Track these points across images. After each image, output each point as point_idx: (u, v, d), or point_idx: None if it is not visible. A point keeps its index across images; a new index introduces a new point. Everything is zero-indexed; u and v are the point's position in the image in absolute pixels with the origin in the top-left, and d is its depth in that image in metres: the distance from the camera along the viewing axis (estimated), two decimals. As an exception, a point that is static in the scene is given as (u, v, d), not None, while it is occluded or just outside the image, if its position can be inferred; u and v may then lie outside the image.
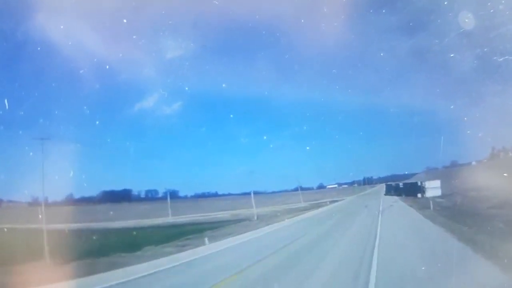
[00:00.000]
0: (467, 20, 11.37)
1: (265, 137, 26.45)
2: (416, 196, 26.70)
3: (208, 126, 23.84)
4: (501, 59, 11.94)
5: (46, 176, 16.43)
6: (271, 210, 29.75)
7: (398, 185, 32.19)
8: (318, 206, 32.06)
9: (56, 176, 16.65)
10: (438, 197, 24.59)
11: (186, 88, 17.01)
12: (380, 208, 26.18)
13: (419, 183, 26.88)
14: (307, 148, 23.37)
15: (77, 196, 20.24)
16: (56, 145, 16.69)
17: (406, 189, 29.77)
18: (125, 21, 13.56)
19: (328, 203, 33.16)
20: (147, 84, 18.61)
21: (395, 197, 31.38)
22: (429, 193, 25.47)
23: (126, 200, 27.16)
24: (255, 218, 25.86)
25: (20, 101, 15.69)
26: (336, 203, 33.15)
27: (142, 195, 27.97)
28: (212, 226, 22.25)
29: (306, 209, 30.48)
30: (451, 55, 12.95)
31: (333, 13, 13.58)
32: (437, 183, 25.48)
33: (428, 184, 25.81)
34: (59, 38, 14.04)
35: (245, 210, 28.08)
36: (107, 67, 14.85)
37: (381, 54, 15.74)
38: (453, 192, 24.28)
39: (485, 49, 12.08)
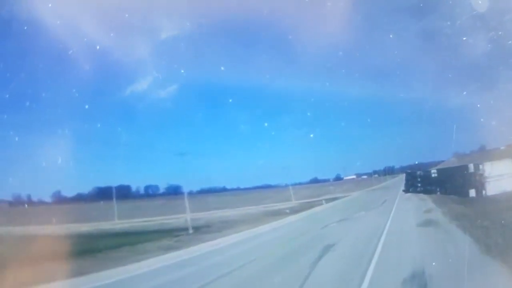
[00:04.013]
0: (480, 2, 11.12)
1: (266, 124, 22.37)
2: (465, 195, 13.88)
3: (208, 112, 22.55)
4: (516, 43, 11.58)
5: (30, 168, 16.64)
6: (242, 213, 25.18)
7: (427, 174, 19.74)
8: (310, 206, 26.93)
9: (42, 168, 16.12)
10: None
11: (182, 71, 16.47)
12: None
13: (471, 168, 13.91)
14: (318, 137, 21.26)
15: (64, 193, 20.39)
16: (43, 132, 16.60)
17: (444, 181, 17.21)
18: (116, -2, 13.69)
19: (323, 202, 27.80)
20: (140, 66, 18.11)
21: (425, 198, 18.92)
22: (493, 188, 12.89)
23: (122, 197, 25.58)
24: (190, 230, 20.93)
25: (5, 83, 14.82)
26: (330, 203, 27.31)
27: (142, 191, 26.63)
28: (105, 246, 18.00)
29: (284, 214, 24.39)
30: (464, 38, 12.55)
31: (339, -8, 13.50)
32: (508, 165, 12.68)
33: (490, 169, 13.09)
34: (47, 17, 13.32)
35: (210, 213, 24.84)
36: (98, 47, 14.42)
37: (390, 36, 15.38)
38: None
39: (500, 33, 11.72)
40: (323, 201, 27.64)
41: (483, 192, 13.47)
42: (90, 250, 16.71)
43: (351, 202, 26.74)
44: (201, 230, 20.59)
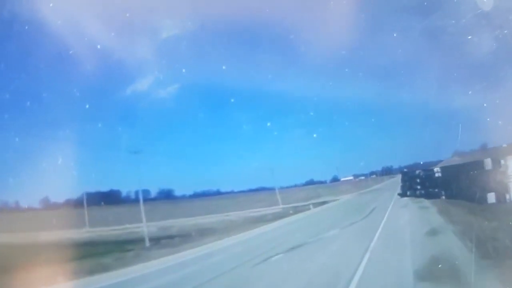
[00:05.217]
0: (485, 0, 11.16)
1: (267, 125, 22.49)
2: (482, 201, 10.61)
3: (207, 112, 22.33)
4: (521, 42, 12.31)
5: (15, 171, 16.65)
6: (220, 220, 24.74)
7: (429, 174, 16.55)
8: (293, 212, 26.44)
9: (40, 171, 16.18)
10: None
11: (183, 71, 16.65)
12: None
13: (488, 165, 10.66)
14: (317, 138, 20.96)
15: (52, 198, 19.48)
16: (41, 134, 16.96)
17: (450, 182, 14.06)
18: (118, -3, 14.54)
19: (311, 207, 27.15)
20: (141, 66, 17.75)
21: (427, 205, 15.47)
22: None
23: (111, 202, 25.20)
24: (147, 243, 19.90)
25: (6, 83, 15.57)
26: (317, 208, 26.49)
27: (132, 196, 26.07)
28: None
29: (262, 221, 23.70)
30: (468, 37, 12.78)
31: (343, -9, 14.32)
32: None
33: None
34: (48, 17, 13.71)
35: (186, 220, 24.32)
36: (99, 47, 14.99)
37: (394, 35, 15.50)
38: None
39: (505, 31, 11.84)
40: (311, 206, 27.05)
41: (507, 196, 10.17)
42: (15, 266, 13.54)
43: (335, 208, 25.85)
44: (160, 243, 19.31)
